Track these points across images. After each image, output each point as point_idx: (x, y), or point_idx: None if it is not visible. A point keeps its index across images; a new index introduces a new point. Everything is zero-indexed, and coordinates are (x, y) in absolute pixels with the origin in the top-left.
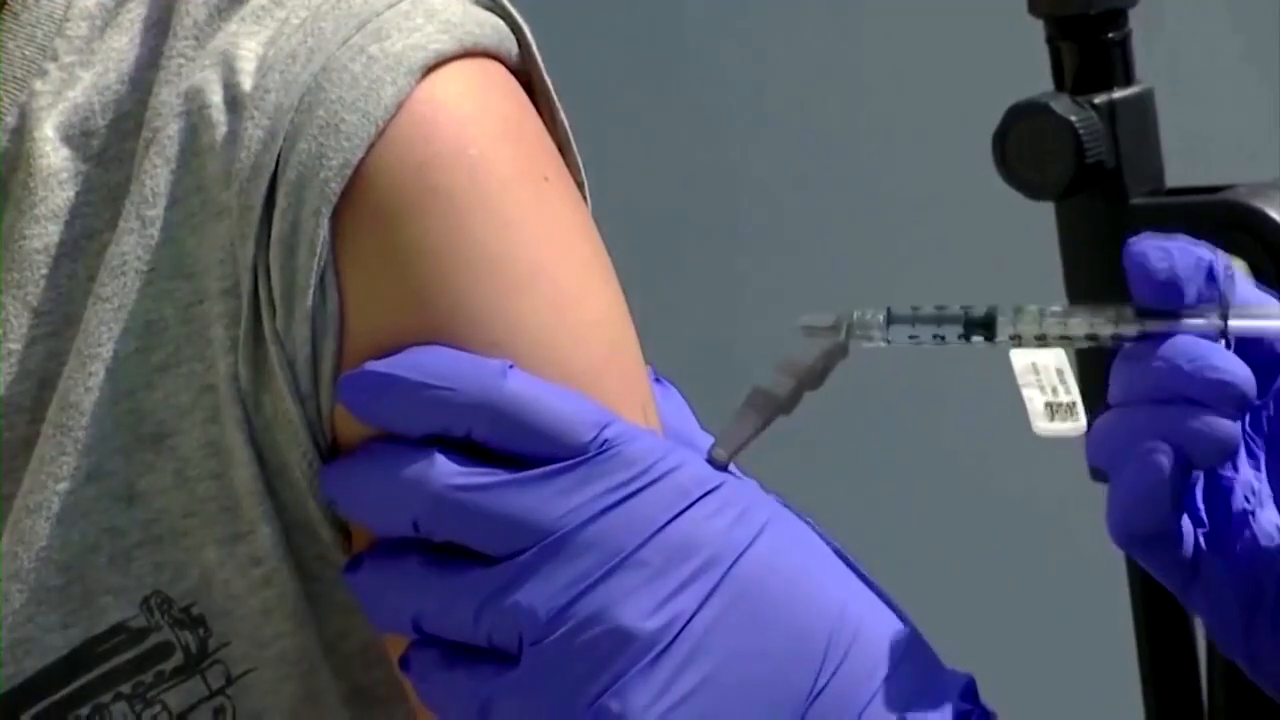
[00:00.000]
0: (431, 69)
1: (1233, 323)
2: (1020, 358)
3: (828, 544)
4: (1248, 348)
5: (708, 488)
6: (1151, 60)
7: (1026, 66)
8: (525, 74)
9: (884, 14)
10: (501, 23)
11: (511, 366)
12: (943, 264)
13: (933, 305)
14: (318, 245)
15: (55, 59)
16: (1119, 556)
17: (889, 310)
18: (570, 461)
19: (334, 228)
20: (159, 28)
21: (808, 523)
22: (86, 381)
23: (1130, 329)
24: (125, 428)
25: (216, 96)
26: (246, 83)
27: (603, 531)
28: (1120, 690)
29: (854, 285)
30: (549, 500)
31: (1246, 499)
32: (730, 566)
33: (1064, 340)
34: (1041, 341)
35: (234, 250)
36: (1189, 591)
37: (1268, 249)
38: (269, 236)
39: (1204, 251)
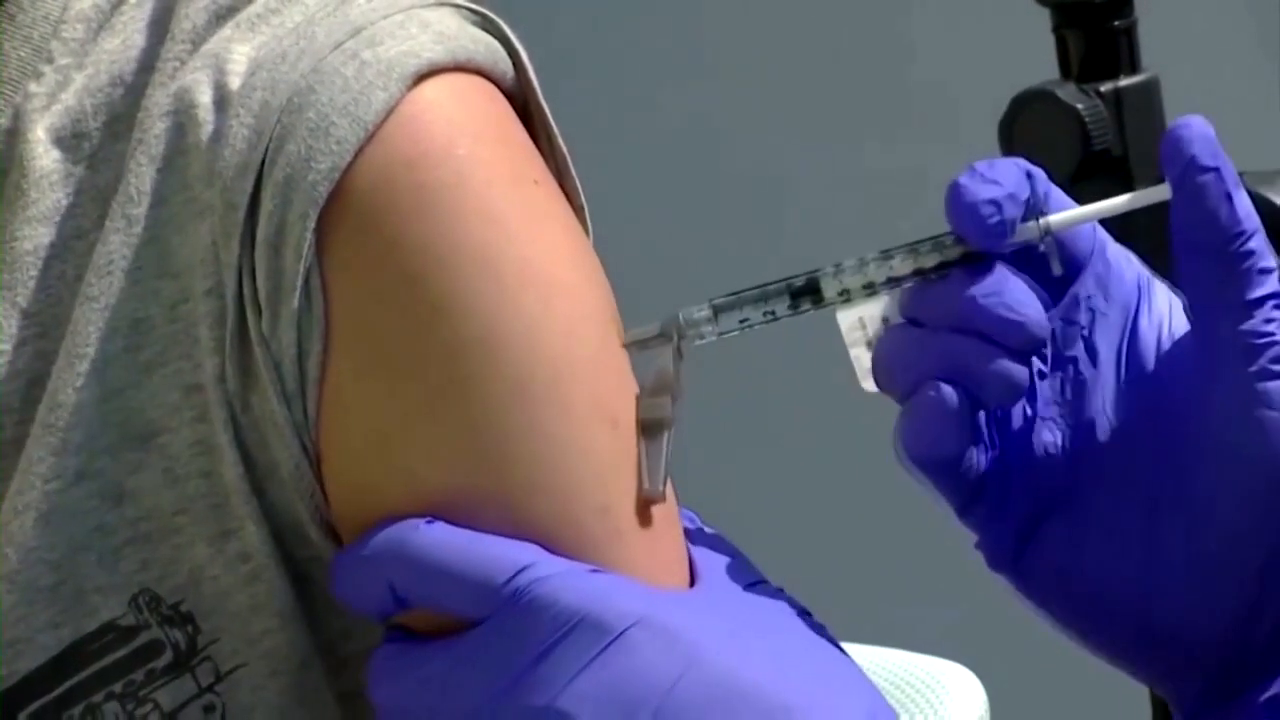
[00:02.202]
0: (423, 78)
1: (1051, 218)
2: (846, 317)
3: (790, 610)
4: (1042, 264)
5: (629, 621)
6: (1158, 47)
7: (1033, 54)
8: (521, 98)
9: (890, 2)
10: (497, 45)
11: (430, 521)
12: None
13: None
14: (304, 248)
15: (50, 61)
16: None
17: (712, 304)
18: (482, 629)
19: (320, 229)
20: (157, 31)
21: (776, 594)
22: (74, 381)
23: (953, 254)
24: (113, 426)
25: (205, 96)
26: (235, 82)
27: (524, 694)
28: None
29: None
30: (466, 676)
31: (1026, 418)
32: (660, 703)
33: (891, 282)
34: (870, 290)
35: (216, 250)
36: (968, 511)
37: (1273, 236)
38: (254, 237)
39: (1009, 177)
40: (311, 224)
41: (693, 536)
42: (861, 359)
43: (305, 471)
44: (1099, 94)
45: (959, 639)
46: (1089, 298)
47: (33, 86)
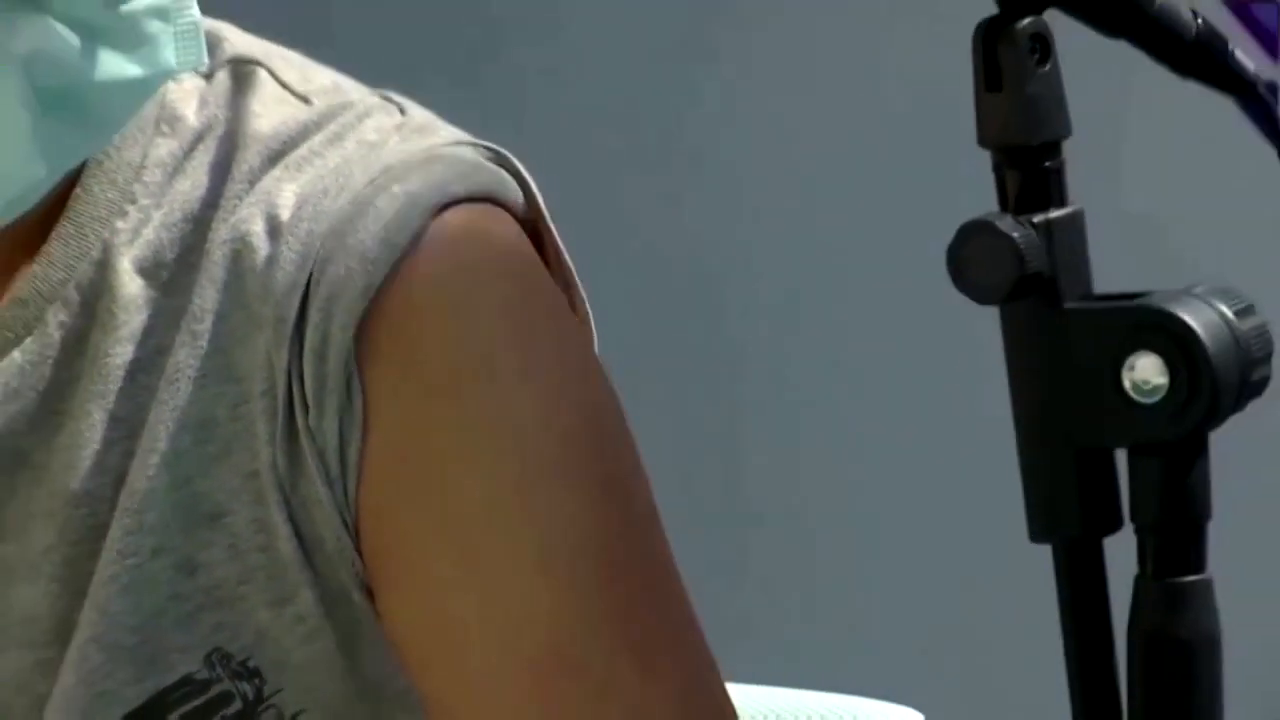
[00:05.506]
0: (446, 207)
1: None
2: None
3: None
4: None
5: None
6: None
7: (981, 189)
8: (531, 221)
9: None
10: (509, 177)
11: None
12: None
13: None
14: (345, 354)
15: (134, 201)
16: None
17: None
18: None
19: (358, 339)
20: (220, 173)
21: None
22: (148, 471)
23: None
24: (184, 509)
25: (259, 227)
26: (285, 214)
27: None
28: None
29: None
30: None
31: None
32: None
33: None
34: None
35: (270, 357)
36: None
37: (1178, 345)
38: (302, 346)
39: None
40: (350, 334)
41: None
42: None
43: (346, 544)
44: (1032, 224)
45: (907, 683)
46: None
47: (119, 224)
